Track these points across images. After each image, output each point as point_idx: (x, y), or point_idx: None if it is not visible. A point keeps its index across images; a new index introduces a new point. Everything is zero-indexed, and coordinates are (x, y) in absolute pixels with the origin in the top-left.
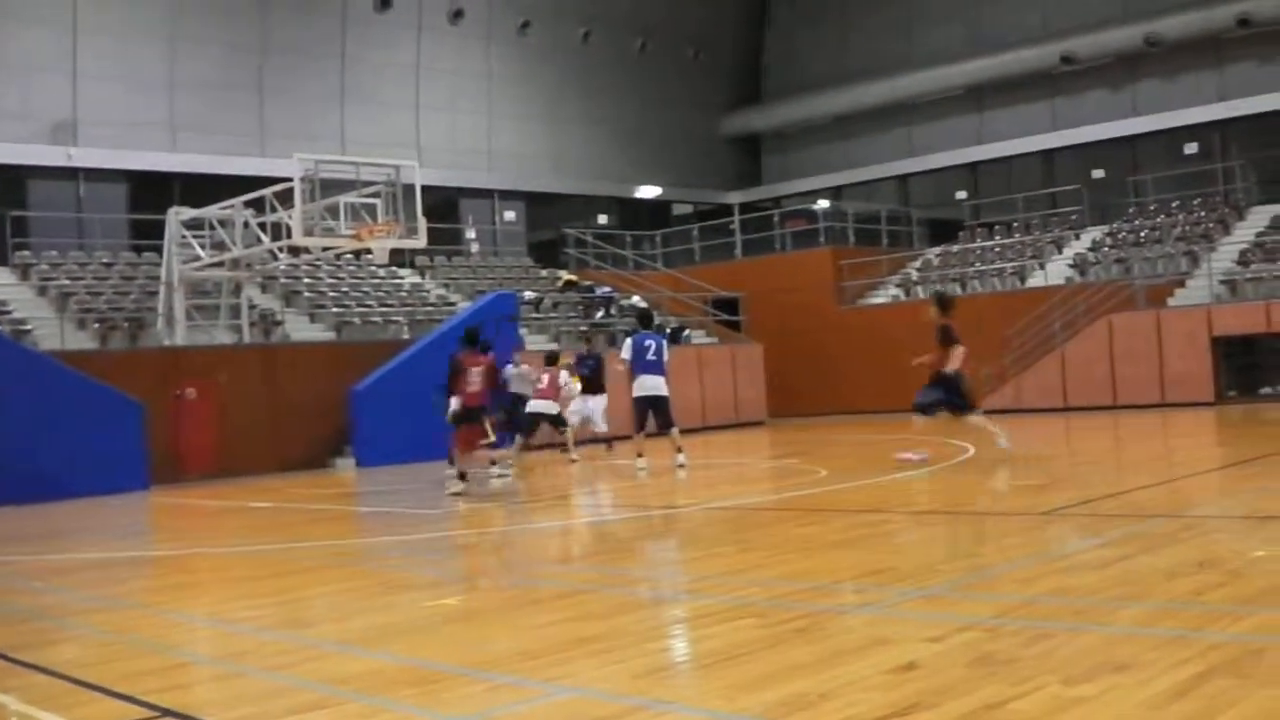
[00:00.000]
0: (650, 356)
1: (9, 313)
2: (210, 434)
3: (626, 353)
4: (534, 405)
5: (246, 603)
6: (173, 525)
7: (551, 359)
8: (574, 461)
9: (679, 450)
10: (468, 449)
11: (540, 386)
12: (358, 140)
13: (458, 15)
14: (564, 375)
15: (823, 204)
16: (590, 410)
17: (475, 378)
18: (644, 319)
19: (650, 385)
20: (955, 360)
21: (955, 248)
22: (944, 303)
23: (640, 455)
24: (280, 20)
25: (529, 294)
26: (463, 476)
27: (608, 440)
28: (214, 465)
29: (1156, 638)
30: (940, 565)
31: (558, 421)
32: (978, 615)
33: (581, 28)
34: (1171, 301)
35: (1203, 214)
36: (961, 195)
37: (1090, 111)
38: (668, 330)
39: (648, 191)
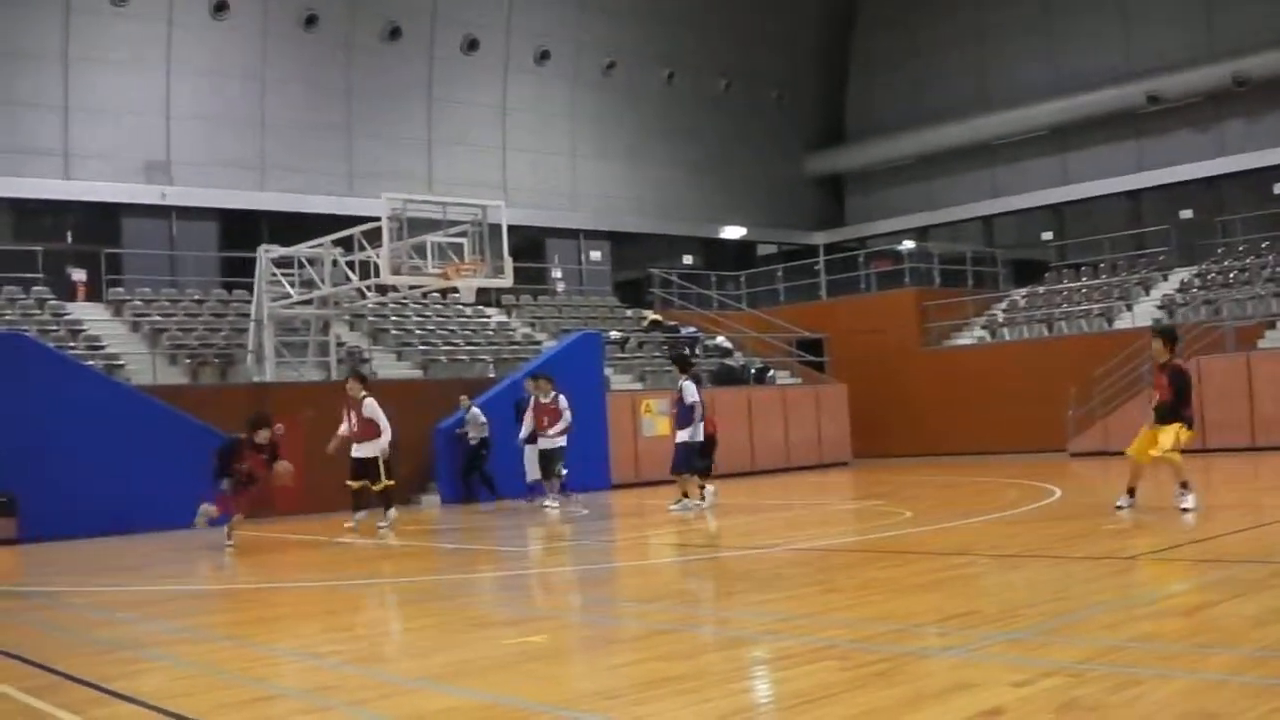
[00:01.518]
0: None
1: (102, 348)
2: (297, 469)
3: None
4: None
5: (330, 636)
6: (257, 559)
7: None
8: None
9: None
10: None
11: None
12: (444, 180)
13: (544, 56)
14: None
15: (908, 245)
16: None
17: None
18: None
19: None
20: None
21: (1041, 289)
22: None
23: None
24: (368, 62)
25: (614, 333)
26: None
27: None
28: (300, 500)
29: (1245, 686)
30: (1025, 609)
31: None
32: (1063, 660)
33: (665, 69)
34: (1262, 343)
35: None
36: (1047, 236)
37: (1177, 151)
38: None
39: (732, 232)
